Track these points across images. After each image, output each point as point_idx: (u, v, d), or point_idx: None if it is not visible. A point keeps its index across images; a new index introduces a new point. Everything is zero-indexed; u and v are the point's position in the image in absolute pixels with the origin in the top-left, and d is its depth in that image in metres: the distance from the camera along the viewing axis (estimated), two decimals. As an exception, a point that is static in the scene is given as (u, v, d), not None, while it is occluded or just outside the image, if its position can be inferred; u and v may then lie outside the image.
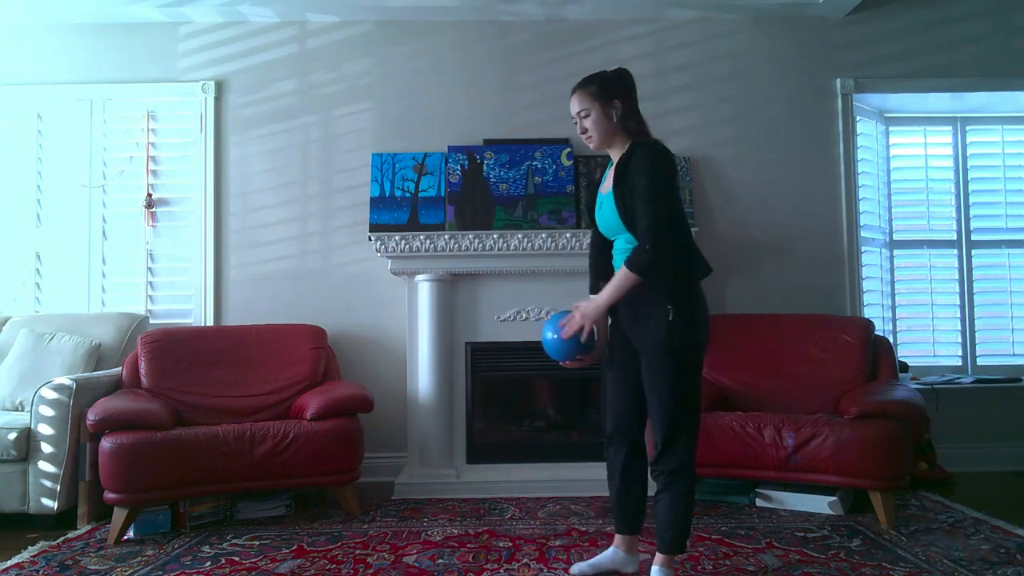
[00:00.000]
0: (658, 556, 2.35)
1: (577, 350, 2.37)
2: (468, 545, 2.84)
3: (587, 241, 3.65)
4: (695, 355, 2.30)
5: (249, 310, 4.06)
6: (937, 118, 4.46)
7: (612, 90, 2.37)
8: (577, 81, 2.43)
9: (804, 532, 2.93)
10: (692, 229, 3.66)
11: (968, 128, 4.45)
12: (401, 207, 3.90)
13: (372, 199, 3.92)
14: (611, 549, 2.52)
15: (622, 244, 2.36)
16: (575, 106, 2.37)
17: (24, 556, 2.75)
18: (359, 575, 2.55)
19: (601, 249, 2.50)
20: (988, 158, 4.46)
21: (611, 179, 2.34)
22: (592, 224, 2.53)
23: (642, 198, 2.19)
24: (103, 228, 4.16)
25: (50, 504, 3.11)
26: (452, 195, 3.92)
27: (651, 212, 2.17)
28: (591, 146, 2.40)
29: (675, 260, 2.24)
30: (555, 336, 2.39)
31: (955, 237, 4.41)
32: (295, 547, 2.84)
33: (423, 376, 3.75)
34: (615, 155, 2.37)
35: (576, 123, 2.39)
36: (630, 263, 2.21)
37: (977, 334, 4.35)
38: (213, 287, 4.10)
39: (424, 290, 3.77)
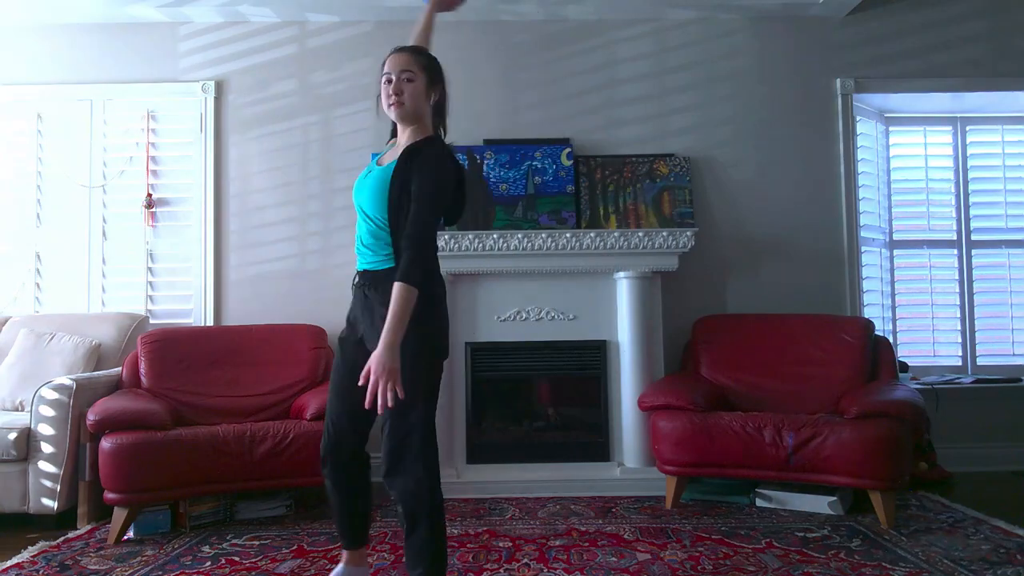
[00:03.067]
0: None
1: None
2: (468, 545, 2.84)
3: (587, 241, 3.69)
4: (433, 368, 2.13)
5: (249, 310, 4.06)
6: (937, 118, 4.45)
7: (439, 74, 2.20)
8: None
9: (804, 532, 2.93)
10: (692, 229, 3.73)
11: (968, 128, 4.45)
12: (401, 207, 3.90)
13: (372, 199, 3.91)
14: (341, 566, 2.33)
15: (364, 229, 2.15)
16: (400, 64, 2.12)
17: (24, 556, 2.75)
18: (359, 575, 2.55)
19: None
20: (988, 158, 4.46)
21: (390, 156, 2.18)
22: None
23: (418, 209, 2.04)
24: (103, 228, 4.15)
25: (50, 504, 3.11)
26: (452, 195, 3.91)
27: (418, 225, 2.04)
28: (394, 113, 2.15)
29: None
30: None
31: (955, 237, 4.41)
32: (295, 547, 2.84)
33: (423, 376, 3.74)
34: (403, 137, 2.20)
35: (389, 80, 2.12)
36: (405, 275, 1.97)
37: (977, 334, 4.35)
38: (213, 287, 4.10)
39: (424, 290, 3.77)
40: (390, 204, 2.09)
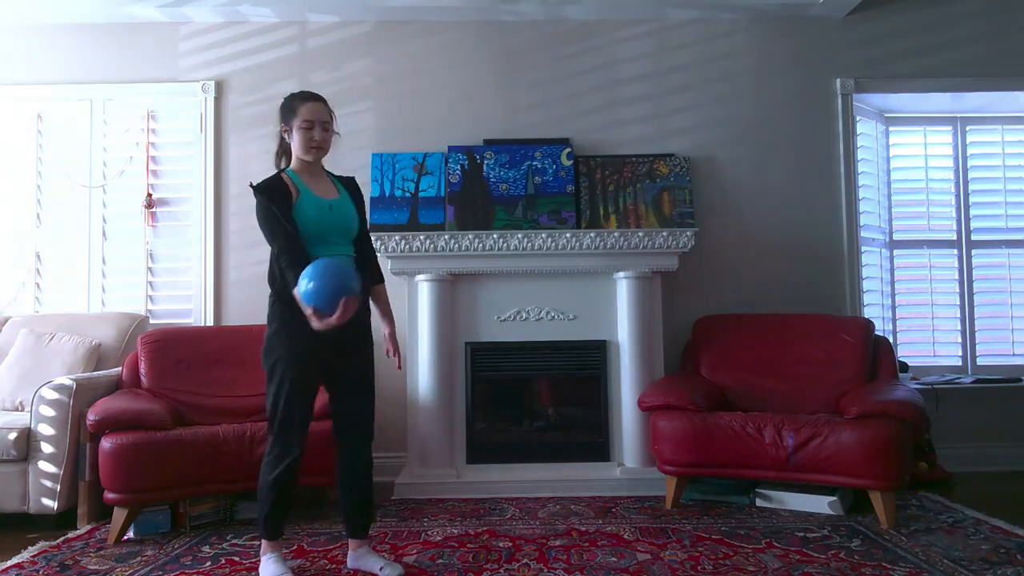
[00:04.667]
0: (361, 542, 2.62)
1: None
2: (468, 545, 2.84)
3: (587, 241, 3.69)
4: None
5: (249, 310, 4.05)
6: (937, 118, 4.45)
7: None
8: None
9: (804, 532, 2.93)
10: (692, 229, 3.73)
11: (968, 128, 4.45)
12: (401, 207, 3.90)
13: (372, 199, 3.92)
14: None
15: (345, 253, 2.51)
16: (322, 114, 2.47)
17: (24, 556, 2.75)
18: (359, 575, 2.55)
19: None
20: (988, 158, 4.46)
21: (331, 191, 2.53)
22: (291, 226, 2.38)
23: (366, 227, 2.65)
24: (103, 228, 4.16)
25: (50, 504, 3.12)
26: (452, 195, 3.92)
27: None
28: (313, 156, 2.48)
29: None
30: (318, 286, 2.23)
31: (955, 237, 4.41)
32: (295, 547, 2.84)
33: (423, 376, 3.75)
34: (314, 172, 2.52)
35: (312, 127, 2.45)
36: (382, 279, 2.67)
37: (977, 334, 4.35)
38: (213, 287, 4.10)
39: (424, 290, 3.77)
40: (360, 229, 2.58)
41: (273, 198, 2.40)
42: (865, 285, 4.20)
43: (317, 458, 3.15)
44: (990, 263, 4.40)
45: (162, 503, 3.06)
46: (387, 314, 2.67)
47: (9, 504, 3.11)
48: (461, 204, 3.90)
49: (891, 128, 4.45)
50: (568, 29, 4.20)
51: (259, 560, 2.59)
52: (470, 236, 3.69)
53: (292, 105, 2.48)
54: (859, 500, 3.24)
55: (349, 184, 2.62)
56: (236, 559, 2.72)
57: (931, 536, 2.86)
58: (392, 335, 2.63)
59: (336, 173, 2.64)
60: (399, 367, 2.65)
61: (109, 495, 2.94)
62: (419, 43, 4.19)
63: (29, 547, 2.84)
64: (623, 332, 3.77)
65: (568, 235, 3.71)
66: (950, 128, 4.46)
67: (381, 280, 2.66)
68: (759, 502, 3.32)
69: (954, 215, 4.42)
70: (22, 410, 3.38)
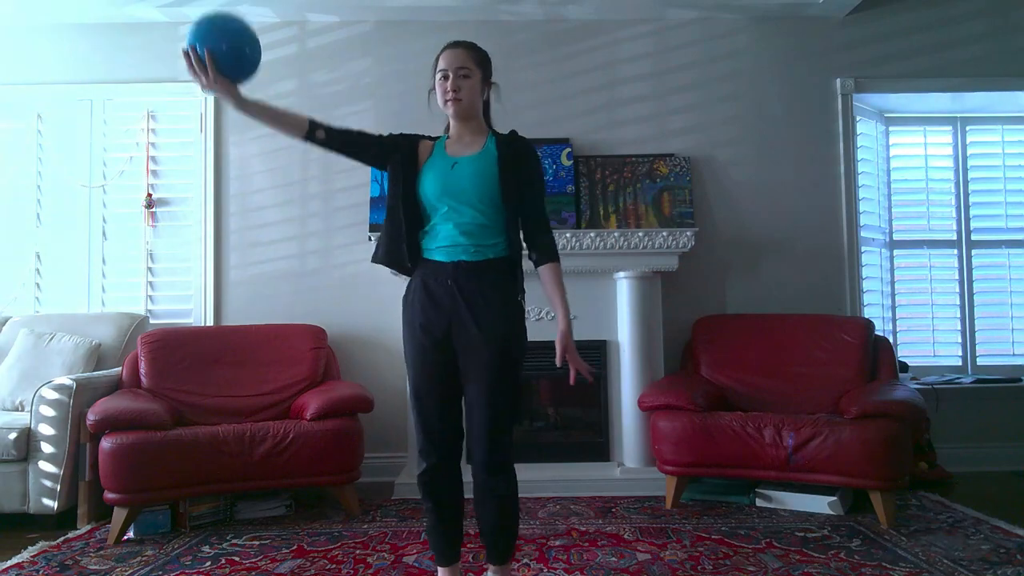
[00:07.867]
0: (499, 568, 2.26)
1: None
2: (468, 545, 2.83)
3: (587, 241, 3.69)
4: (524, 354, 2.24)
5: (249, 310, 4.06)
6: (937, 118, 4.45)
7: (490, 70, 2.22)
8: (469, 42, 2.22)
9: (804, 532, 2.93)
10: (692, 229, 3.72)
11: (968, 128, 4.45)
12: (401, 207, 3.90)
13: (372, 199, 3.92)
14: None
15: (467, 218, 2.12)
16: (457, 60, 2.12)
17: (24, 556, 2.75)
18: (359, 575, 2.55)
19: (414, 222, 2.18)
20: (988, 158, 4.46)
21: (473, 148, 2.19)
22: (408, 189, 2.21)
23: (541, 194, 2.22)
24: (103, 228, 4.16)
25: (50, 504, 3.11)
26: (452, 195, 3.91)
27: (545, 209, 2.25)
28: (451, 109, 2.18)
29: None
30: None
31: (955, 237, 4.40)
32: (295, 547, 2.84)
33: (423, 376, 3.74)
34: (466, 130, 2.22)
35: (446, 76, 2.14)
36: (555, 255, 2.24)
37: (977, 334, 4.35)
38: (213, 287, 4.10)
39: (424, 290, 3.77)
40: (505, 192, 2.12)
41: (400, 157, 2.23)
42: (865, 285, 4.20)
43: (319, 456, 3.17)
44: (990, 263, 4.40)
45: (162, 503, 3.06)
46: (562, 301, 2.19)
47: (9, 504, 3.11)
48: (461, 204, 3.89)
49: (891, 128, 4.44)
50: (568, 29, 4.19)
51: (258, 560, 2.60)
52: (470, 236, 3.69)
53: (436, 59, 2.18)
54: (859, 500, 3.24)
55: (504, 141, 2.19)
56: (236, 559, 2.72)
57: (931, 536, 2.86)
58: (566, 332, 2.15)
59: (476, 150, 2.20)
60: (571, 380, 2.12)
61: (109, 495, 2.95)
62: (419, 43, 4.19)
63: (29, 547, 2.84)
64: (623, 332, 3.77)
65: (568, 235, 3.71)
66: (950, 128, 4.46)
67: (554, 259, 2.23)
68: (759, 502, 3.32)
69: (954, 215, 4.42)
70: (22, 410, 3.38)
